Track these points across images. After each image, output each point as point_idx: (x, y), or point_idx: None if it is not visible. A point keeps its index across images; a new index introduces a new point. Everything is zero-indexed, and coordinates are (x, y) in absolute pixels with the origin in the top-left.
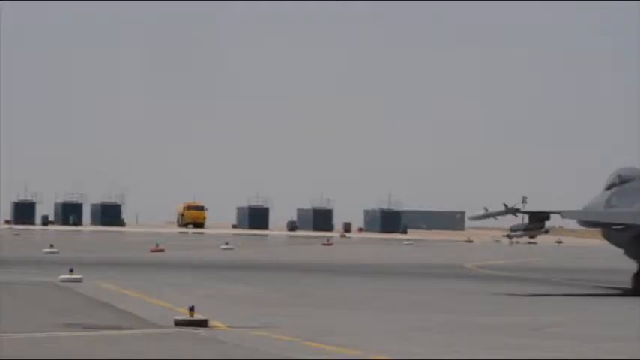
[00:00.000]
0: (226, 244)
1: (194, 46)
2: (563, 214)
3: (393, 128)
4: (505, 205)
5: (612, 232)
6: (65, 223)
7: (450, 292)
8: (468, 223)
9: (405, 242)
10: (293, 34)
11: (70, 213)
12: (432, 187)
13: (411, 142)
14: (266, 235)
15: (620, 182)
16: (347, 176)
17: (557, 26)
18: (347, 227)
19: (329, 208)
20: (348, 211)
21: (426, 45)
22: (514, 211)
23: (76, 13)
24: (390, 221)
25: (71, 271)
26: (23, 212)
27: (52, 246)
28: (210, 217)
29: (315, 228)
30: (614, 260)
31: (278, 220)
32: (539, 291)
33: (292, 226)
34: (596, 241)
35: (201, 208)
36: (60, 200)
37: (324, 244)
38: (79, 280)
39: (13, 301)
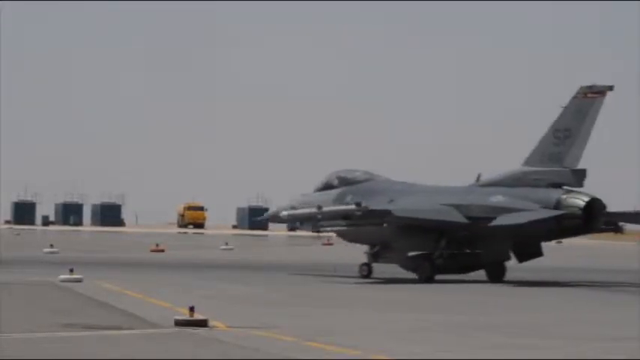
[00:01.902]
0: (226, 244)
1: (194, 46)
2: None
3: (393, 128)
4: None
5: (360, 228)
6: (65, 223)
7: (450, 293)
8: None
9: None
10: (293, 34)
11: (70, 213)
12: None
13: (410, 143)
14: (266, 236)
15: (343, 183)
16: None
17: (556, 26)
18: None
19: None
20: None
21: (425, 46)
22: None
23: (76, 13)
24: None
25: (71, 271)
26: (23, 212)
27: (52, 246)
28: (210, 217)
29: None
30: (613, 260)
31: None
32: (539, 291)
33: (292, 227)
34: (595, 241)
35: (201, 209)
36: (60, 200)
37: (324, 244)
38: (79, 280)
39: (13, 301)
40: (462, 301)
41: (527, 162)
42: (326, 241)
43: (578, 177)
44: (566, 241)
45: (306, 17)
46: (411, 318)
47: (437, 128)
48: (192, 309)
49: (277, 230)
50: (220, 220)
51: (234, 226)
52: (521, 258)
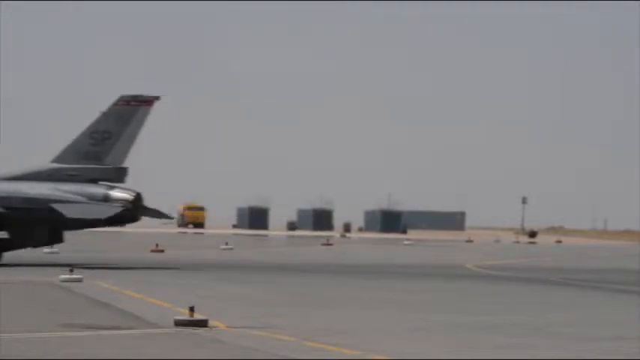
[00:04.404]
0: (226, 244)
1: (195, 47)
2: None
3: (393, 128)
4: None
5: None
6: None
7: (450, 292)
8: None
9: (405, 242)
10: (293, 34)
11: None
12: (432, 187)
13: (410, 143)
14: (266, 236)
15: None
16: (347, 176)
17: (555, 27)
18: (347, 227)
19: (329, 208)
20: (348, 211)
21: (426, 46)
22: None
23: (76, 13)
24: (390, 221)
25: (71, 271)
26: None
27: (52, 246)
28: (210, 217)
29: (315, 228)
30: (614, 260)
31: (278, 220)
32: (539, 291)
33: (292, 226)
34: (595, 240)
35: (200, 209)
36: None
37: (324, 244)
38: (79, 280)
39: (13, 301)
40: (463, 301)
41: (58, 159)
42: (325, 242)
43: (120, 174)
44: (565, 240)
45: (306, 17)
46: (411, 318)
47: None
48: (192, 309)
49: (277, 230)
50: (220, 220)
51: (234, 226)
52: (43, 244)
